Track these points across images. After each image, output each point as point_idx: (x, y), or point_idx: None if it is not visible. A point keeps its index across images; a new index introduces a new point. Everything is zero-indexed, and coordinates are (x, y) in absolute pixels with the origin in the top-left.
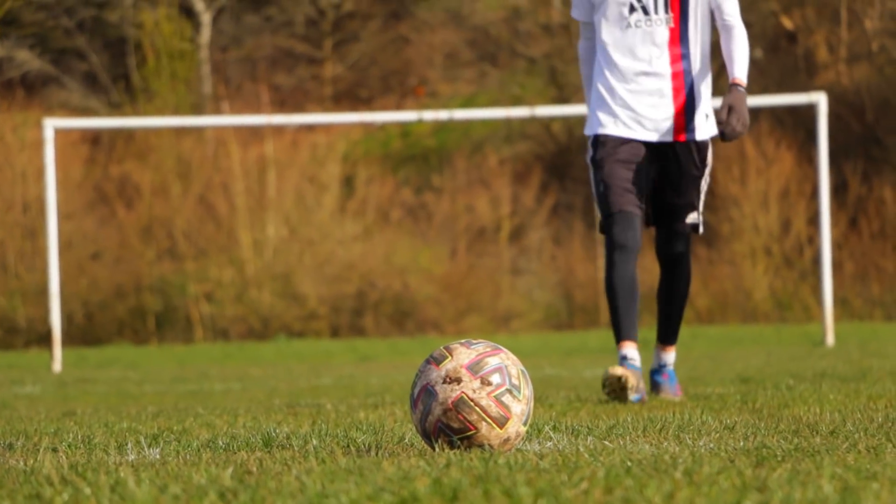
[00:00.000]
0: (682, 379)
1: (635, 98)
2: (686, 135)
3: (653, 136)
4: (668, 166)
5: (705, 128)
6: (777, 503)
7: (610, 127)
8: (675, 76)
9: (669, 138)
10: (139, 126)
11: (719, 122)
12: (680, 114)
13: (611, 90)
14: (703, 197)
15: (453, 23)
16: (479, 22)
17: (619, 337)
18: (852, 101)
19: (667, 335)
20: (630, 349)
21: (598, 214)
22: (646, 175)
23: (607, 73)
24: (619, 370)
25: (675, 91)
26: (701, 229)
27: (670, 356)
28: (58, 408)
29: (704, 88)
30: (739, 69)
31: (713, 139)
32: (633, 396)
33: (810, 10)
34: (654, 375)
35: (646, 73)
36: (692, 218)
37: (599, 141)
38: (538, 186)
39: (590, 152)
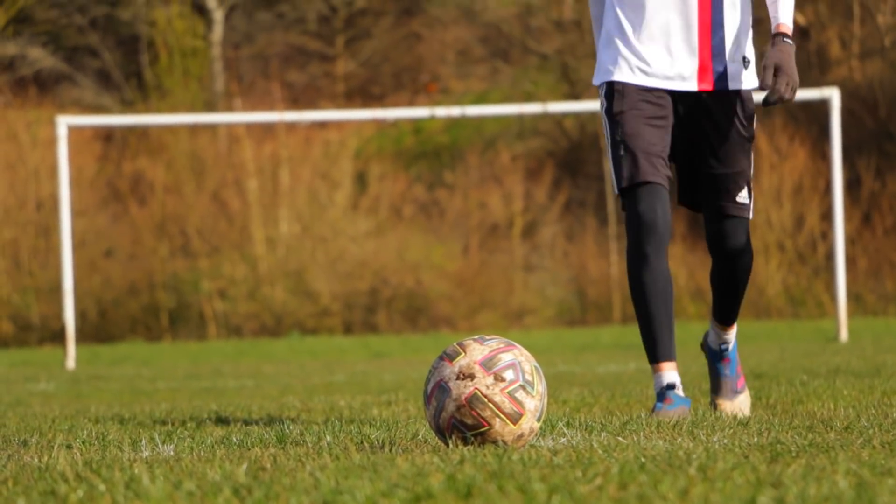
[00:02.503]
0: (695, 375)
1: (651, 38)
2: (716, 83)
3: (674, 84)
4: (702, 125)
5: (744, 76)
6: (792, 499)
7: (625, 73)
8: (701, 7)
9: (694, 87)
10: (152, 123)
11: (763, 87)
12: (706, 57)
13: (622, 30)
14: (752, 168)
15: (465, 19)
16: (492, 18)
17: (658, 357)
18: (865, 96)
19: (721, 315)
20: (673, 375)
21: (612, 188)
22: (671, 135)
23: (618, 11)
24: (676, 413)
25: (701, 28)
26: (751, 213)
27: (730, 334)
28: (72, 405)
29: (741, 24)
30: (785, 12)
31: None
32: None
33: (823, 5)
34: (714, 361)
35: (664, 7)
36: (743, 196)
37: (616, 89)
38: (550, 183)
39: (604, 104)
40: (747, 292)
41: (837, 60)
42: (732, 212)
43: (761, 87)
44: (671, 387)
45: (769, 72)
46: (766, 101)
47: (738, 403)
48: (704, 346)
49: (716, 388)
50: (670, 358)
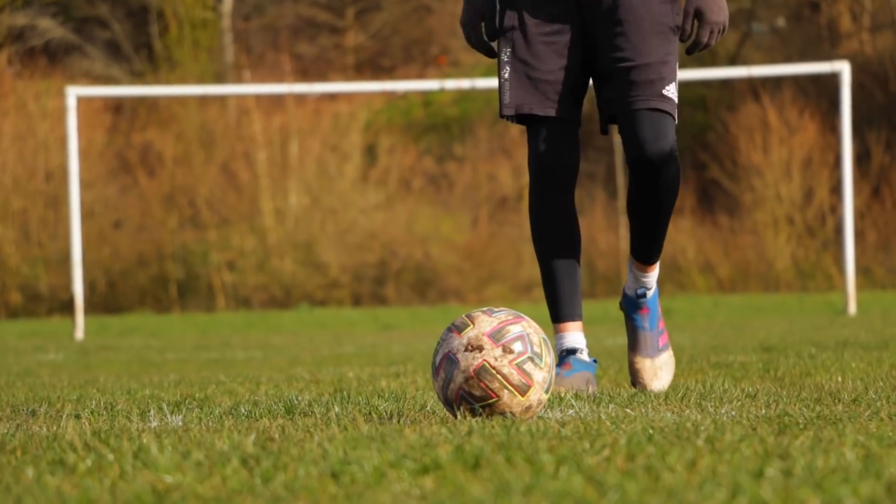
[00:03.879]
0: (704, 348)
1: None
2: None
3: None
4: (617, 17)
5: None
6: (799, 470)
7: None
8: None
9: None
10: (161, 94)
11: (683, 38)
12: None
13: None
14: (677, 65)
15: None
16: None
17: (560, 317)
18: (875, 70)
19: (640, 252)
20: (576, 337)
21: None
22: (580, 49)
23: None
24: (576, 381)
25: None
26: (675, 113)
27: (650, 277)
28: (80, 375)
29: None
30: None
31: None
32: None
33: None
34: (631, 311)
35: None
36: (669, 91)
37: None
38: None
39: (498, 16)
40: (755, 265)
41: (848, 34)
42: (654, 104)
43: (681, 39)
44: (572, 352)
45: (689, 19)
46: (688, 51)
47: (660, 362)
48: (622, 301)
49: (633, 344)
50: (574, 318)
